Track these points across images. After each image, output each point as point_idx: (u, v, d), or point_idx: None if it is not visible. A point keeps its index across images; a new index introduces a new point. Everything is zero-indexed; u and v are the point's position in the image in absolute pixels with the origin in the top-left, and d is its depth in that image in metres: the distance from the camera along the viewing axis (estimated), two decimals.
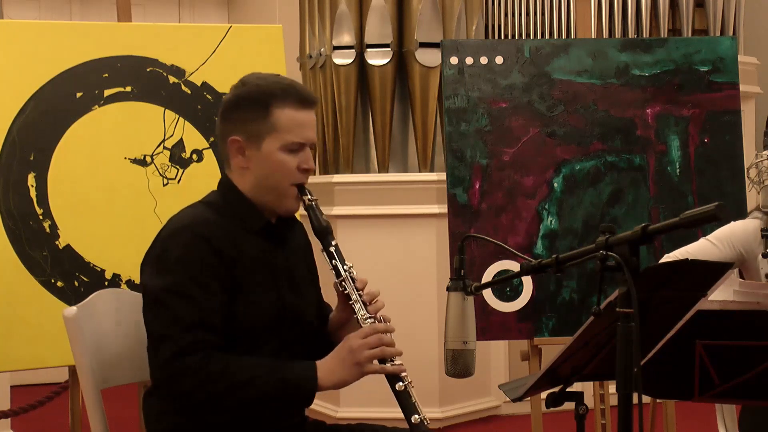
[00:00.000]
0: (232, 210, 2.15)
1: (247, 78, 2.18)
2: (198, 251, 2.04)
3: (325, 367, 2.05)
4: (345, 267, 2.18)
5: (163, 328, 2.03)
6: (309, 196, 2.16)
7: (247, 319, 2.09)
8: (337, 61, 4.68)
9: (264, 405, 2.03)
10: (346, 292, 2.16)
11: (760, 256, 2.60)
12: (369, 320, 2.12)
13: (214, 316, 2.03)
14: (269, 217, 2.18)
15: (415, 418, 2.04)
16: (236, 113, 2.14)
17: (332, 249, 2.17)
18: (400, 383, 2.06)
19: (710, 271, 1.64)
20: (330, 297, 2.35)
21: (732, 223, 2.75)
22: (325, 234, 2.18)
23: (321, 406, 4.72)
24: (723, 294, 1.61)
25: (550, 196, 3.22)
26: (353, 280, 2.17)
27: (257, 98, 2.12)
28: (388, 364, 2.07)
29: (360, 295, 2.15)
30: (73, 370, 2.94)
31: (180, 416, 2.09)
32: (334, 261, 2.17)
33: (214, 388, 1.99)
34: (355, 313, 2.14)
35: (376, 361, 2.06)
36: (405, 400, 2.05)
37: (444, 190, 3.40)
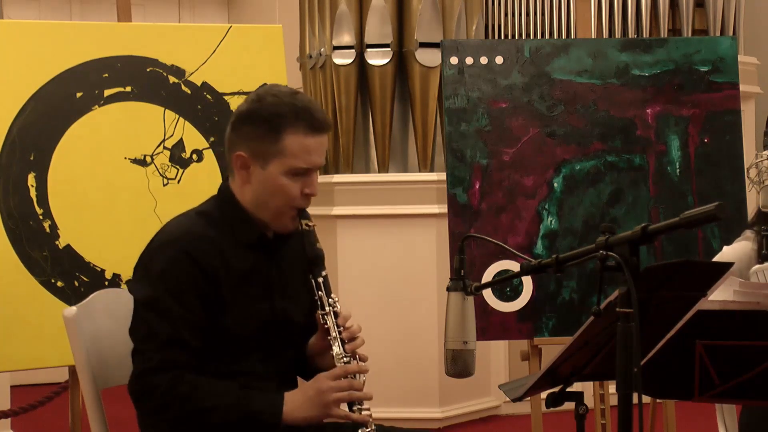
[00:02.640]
0: (227, 221, 2.13)
1: (263, 93, 2.12)
2: (181, 268, 2.03)
3: (292, 402, 2.04)
4: (330, 300, 2.14)
5: (139, 342, 2.05)
6: (308, 221, 2.13)
7: (235, 329, 2.09)
8: (337, 61, 4.68)
9: (228, 430, 2.02)
10: (326, 326, 2.13)
11: (756, 267, 2.58)
12: (344, 359, 2.10)
13: (190, 334, 2.02)
14: (265, 230, 2.16)
15: None
16: (246, 128, 2.10)
17: (321, 280, 2.14)
18: (364, 429, 2.05)
19: (710, 271, 1.64)
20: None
21: (724, 249, 2.73)
22: (317, 263, 2.14)
23: None
24: (723, 294, 1.61)
25: (550, 196, 3.22)
26: (336, 315, 2.13)
27: (269, 119, 2.07)
28: (356, 408, 2.06)
29: (339, 332, 2.12)
30: (73, 370, 2.94)
31: (172, 425, 2.09)
32: (320, 292, 2.13)
33: (178, 410, 2.00)
34: (332, 350, 2.11)
35: (344, 406, 2.06)
36: None
37: (444, 190, 3.40)
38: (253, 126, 2.09)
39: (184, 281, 2.03)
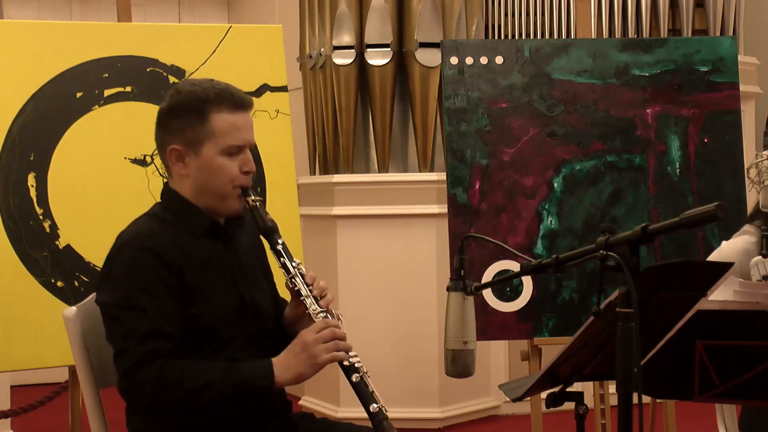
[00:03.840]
0: (176, 217, 2.17)
1: (181, 85, 2.20)
2: (144, 263, 2.06)
3: (281, 363, 2.07)
4: (293, 264, 2.20)
5: (119, 343, 2.06)
6: (252, 197, 2.18)
7: (208, 319, 2.11)
8: (337, 61, 4.68)
9: (223, 407, 2.04)
10: (296, 288, 2.19)
11: (757, 258, 2.58)
12: (321, 314, 2.15)
13: (167, 324, 2.05)
14: (215, 218, 2.19)
15: (373, 407, 2.08)
16: (173, 121, 2.15)
17: (279, 247, 2.20)
18: (356, 374, 2.09)
19: (710, 271, 1.64)
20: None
21: (723, 244, 2.73)
22: (270, 233, 2.20)
23: (321, 405, 4.72)
24: (723, 294, 1.61)
25: (550, 196, 3.22)
26: (302, 276, 2.20)
27: (193, 105, 2.12)
28: (343, 354, 2.10)
29: (310, 291, 2.18)
30: (73, 370, 2.94)
31: (162, 426, 2.10)
32: (282, 259, 2.20)
33: (172, 395, 2.01)
34: (307, 308, 2.17)
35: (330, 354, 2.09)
36: (362, 391, 2.09)
37: (444, 190, 3.40)
38: (179, 117, 2.14)
39: (149, 275, 2.06)
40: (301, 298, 2.18)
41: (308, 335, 2.08)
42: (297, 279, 2.19)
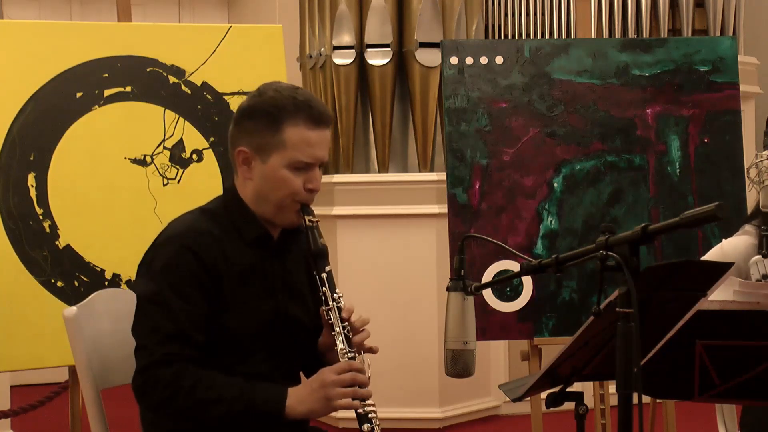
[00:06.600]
0: (231, 219, 2.14)
1: (264, 88, 2.14)
2: (183, 262, 2.04)
3: (296, 395, 2.04)
4: (335, 296, 2.14)
5: (142, 338, 2.05)
6: (311, 217, 2.14)
7: (237, 328, 2.09)
8: (337, 61, 4.68)
9: (231, 423, 2.02)
10: (330, 321, 2.14)
11: (756, 257, 2.58)
12: (348, 355, 2.10)
13: (193, 328, 2.03)
14: (268, 227, 2.16)
15: None
16: (247, 123, 2.12)
17: (324, 275, 2.15)
18: (368, 425, 2.05)
19: (710, 271, 1.64)
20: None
21: (723, 242, 2.73)
22: (320, 258, 2.16)
23: None
24: (723, 294, 1.61)
25: (550, 196, 3.22)
26: (339, 310, 2.14)
27: (270, 112, 2.08)
28: (359, 403, 2.05)
29: (343, 327, 2.13)
30: (73, 370, 2.94)
31: (176, 419, 2.09)
32: (324, 288, 2.14)
33: (182, 401, 2.00)
34: (336, 345, 2.12)
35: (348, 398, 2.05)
36: None
37: (444, 190, 3.40)
38: (253, 120, 2.11)
39: (185, 276, 2.04)
40: (333, 334, 2.13)
41: (329, 375, 2.04)
42: (333, 313, 2.13)
